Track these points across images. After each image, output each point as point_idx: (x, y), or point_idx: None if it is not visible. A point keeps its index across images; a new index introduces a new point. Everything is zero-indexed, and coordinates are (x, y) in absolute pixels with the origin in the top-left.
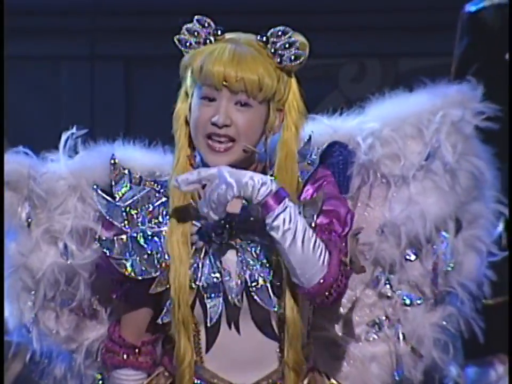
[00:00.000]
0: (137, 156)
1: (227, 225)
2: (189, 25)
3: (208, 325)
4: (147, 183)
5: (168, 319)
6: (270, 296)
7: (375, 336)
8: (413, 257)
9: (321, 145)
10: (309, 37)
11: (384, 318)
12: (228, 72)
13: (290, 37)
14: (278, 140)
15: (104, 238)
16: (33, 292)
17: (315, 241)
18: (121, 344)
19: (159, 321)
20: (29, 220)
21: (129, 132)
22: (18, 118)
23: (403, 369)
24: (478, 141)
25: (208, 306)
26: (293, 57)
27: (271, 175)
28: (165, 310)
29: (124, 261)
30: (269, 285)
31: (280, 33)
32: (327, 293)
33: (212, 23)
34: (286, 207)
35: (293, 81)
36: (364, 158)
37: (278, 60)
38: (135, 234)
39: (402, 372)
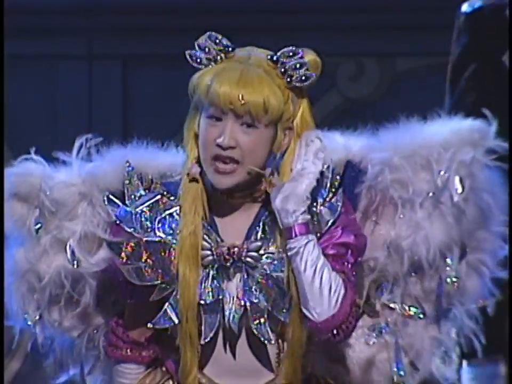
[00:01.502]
0: (150, 157)
1: (237, 248)
2: (200, 41)
3: (202, 342)
4: (157, 186)
5: (165, 326)
6: (267, 328)
7: (375, 341)
8: (416, 275)
9: (333, 161)
10: (307, 35)
11: (384, 324)
12: (234, 95)
13: (301, 58)
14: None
15: (114, 242)
16: (38, 293)
17: (333, 278)
18: (125, 340)
19: (150, 325)
20: (38, 228)
21: (127, 131)
22: (15, 117)
23: (403, 363)
24: (487, 176)
25: (203, 323)
26: (302, 78)
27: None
28: (160, 314)
29: (131, 267)
30: (267, 316)
31: (291, 53)
32: (334, 332)
33: (223, 40)
34: (312, 239)
35: (305, 100)
36: (372, 181)
37: (288, 79)
38: (144, 240)
39: (403, 365)
